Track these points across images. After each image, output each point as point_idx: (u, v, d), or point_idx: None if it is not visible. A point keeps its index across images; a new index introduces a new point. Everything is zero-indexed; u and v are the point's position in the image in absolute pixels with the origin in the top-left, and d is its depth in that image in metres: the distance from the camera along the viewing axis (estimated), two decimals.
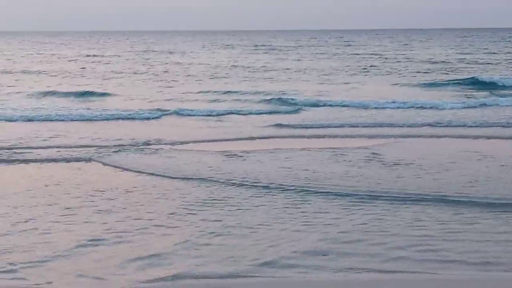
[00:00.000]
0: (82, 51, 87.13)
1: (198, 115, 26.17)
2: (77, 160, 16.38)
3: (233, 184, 13.44)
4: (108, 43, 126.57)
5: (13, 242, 9.62)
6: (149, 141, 19.28)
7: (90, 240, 9.69)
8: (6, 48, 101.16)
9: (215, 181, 13.70)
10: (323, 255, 9.01)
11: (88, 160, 16.38)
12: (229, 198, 12.30)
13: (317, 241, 9.60)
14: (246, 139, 20.15)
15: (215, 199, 12.18)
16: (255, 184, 13.36)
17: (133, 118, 25.10)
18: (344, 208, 11.48)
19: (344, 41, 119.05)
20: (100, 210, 11.44)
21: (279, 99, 30.69)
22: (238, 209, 11.47)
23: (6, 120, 24.53)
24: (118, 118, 24.99)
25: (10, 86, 39.24)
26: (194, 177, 14.10)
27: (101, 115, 25.57)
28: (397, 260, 8.82)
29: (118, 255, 9.07)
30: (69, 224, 10.61)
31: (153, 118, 25.27)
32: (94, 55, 75.97)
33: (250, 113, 26.79)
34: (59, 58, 71.71)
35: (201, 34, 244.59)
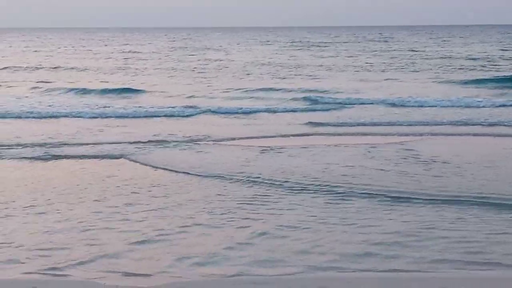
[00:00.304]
0: (119, 47, 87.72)
1: (233, 113, 26.04)
2: (114, 157, 16.42)
3: (272, 182, 13.37)
4: (146, 39, 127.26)
5: (56, 240, 9.68)
6: (187, 138, 19.29)
7: (133, 238, 9.73)
8: (44, 44, 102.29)
9: (253, 179, 13.65)
10: (366, 253, 8.93)
11: (121, 157, 16.43)
12: (268, 196, 12.27)
13: (359, 242, 9.50)
14: (281, 136, 20.09)
15: (254, 197, 12.14)
16: (293, 182, 13.29)
17: (168, 115, 25.11)
18: (384, 208, 11.38)
19: (383, 37, 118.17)
20: (139, 208, 11.45)
21: (315, 96, 30.49)
22: (278, 208, 11.41)
23: (41, 117, 24.69)
24: (153, 116, 25.03)
25: (48, 82, 39.57)
26: (230, 174, 14.05)
27: (135, 112, 25.65)
28: (440, 261, 8.70)
29: (161, 253, 9.10)
30: (110, 221, 10.67)
31: (188, 116, 25.24)
32: (130, 51, 76.41)
33: (285, 111, 26.66)
34: (95, 54, 72.23)
35: (239, 30, 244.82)
